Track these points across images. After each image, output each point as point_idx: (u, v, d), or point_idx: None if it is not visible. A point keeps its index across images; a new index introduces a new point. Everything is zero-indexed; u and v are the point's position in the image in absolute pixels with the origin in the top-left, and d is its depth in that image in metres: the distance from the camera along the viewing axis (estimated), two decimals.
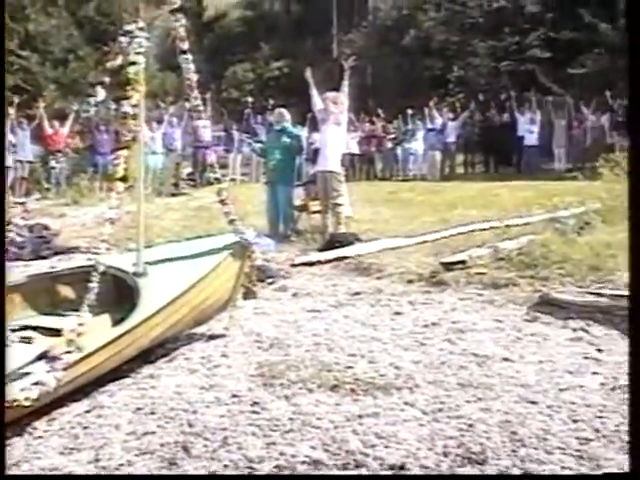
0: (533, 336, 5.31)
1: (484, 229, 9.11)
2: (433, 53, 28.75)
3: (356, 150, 20.45)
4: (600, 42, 24.05)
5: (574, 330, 5.42)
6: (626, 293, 5.72)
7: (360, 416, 3.89)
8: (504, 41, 26.90)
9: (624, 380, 4.28)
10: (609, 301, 5.68)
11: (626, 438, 3.53)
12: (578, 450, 3.49)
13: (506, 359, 4.79)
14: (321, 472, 3.38)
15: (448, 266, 7.23)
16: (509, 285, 6.65)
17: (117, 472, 3.43)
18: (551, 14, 26.35)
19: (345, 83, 9.81)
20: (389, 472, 3.34)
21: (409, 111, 21.41)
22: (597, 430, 3.68)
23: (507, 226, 8.87)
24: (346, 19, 36.19)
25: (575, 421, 3.80)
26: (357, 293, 6.84)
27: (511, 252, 7.45)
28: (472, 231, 9.12)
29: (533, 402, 4.04)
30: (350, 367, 4.68)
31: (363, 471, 3.35)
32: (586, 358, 4.80)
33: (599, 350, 4.96)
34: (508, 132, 20.58)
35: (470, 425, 3.74)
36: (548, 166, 20.68)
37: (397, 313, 6.06)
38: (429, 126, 20.98)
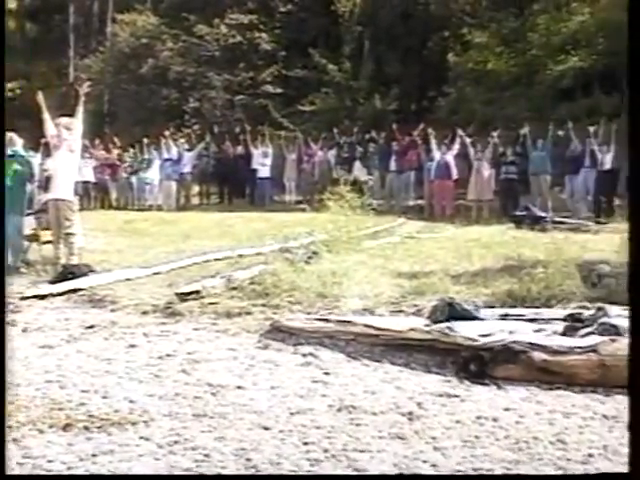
0: (265, 363, 5.45)
1: (218, 259, 9.35)
2: (170, 83, 28.85)
3: (91, 178, 19.97)
4: (328, 82, 25.66)
5: (304, 355, 5.62)
6: (350, 318, 6.15)
7: (94, 454, 3.78)
8: (239, 76, 27.74)
9: (349, 401, 4.56)
10: (335, 326, 5.96)
11: (353, 456, 3.76)
12: (309, 471, 3.63)
13: (240, 387, 4.88)
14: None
15: (182, 296, 7.26)
16: (242, 314, 6.77)
17: None
18: (284, 52, 27.65)
19: (79, 109, 9.54)
20: None
21: (145, 140, 21.33)
22: (326, 450, 3.85)
23: (240, 256, 9.16)
24: (84, 43, 35.28)
25: (306, 443, 3.94)
26: (91, 326, 6.64)
27: (244, 281, 7.66)
28: (206, 261, 9.31)
29: (266, 428, 4.14)
30: (83, 404, 4.53)
31: None
32: (315, 382, 4.99)
33: (327, 373, 5.19)
34: (242, 164, 21.20)
35: (206, 455, 3.78)
36: (280, 198, 21.57)
37: (132, 345, 5.97)
38: (165, 156, 21.02)
